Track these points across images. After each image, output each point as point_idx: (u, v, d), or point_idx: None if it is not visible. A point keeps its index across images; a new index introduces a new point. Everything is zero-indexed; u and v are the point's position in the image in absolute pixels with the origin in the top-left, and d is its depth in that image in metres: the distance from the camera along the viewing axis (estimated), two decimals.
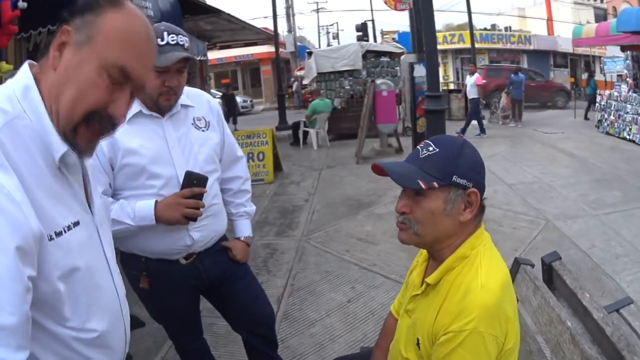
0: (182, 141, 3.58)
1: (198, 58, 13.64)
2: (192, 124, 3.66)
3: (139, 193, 3.46)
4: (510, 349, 2.37)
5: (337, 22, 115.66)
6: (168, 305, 3.81)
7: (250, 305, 4.06)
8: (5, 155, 1.62)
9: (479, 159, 2.53)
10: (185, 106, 3.64)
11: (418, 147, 2.58)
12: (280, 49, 33.17)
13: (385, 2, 18.02)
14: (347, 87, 23.04)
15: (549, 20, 54.79)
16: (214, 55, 42.24)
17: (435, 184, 2.40)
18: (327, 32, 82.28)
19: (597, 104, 23.01)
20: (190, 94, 3.73)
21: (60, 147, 1.78)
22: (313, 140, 21.03)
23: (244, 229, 4.11)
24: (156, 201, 3.42)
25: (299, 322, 6.42)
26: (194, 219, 3.46)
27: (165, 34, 3.33)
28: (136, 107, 3.42)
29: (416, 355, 2.57)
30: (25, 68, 1.83)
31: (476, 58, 30.32)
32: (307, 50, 29.58)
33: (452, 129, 23.04)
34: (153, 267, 3.63)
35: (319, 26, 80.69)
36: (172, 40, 3.33)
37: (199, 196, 3.45)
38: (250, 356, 4.30)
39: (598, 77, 31.19)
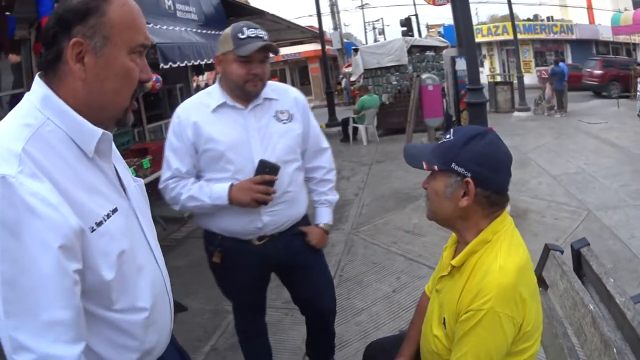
0: (262, 131, 3.91)
1: None
2: (274, 116, 3.99)
3: (217, 176, 3.86)
4: (530, 331, 2.55)
5: (382, 18, 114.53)
6: (235, 281, 4.12)
7: (312, 297, 4.39)
8: (36, 165, 1.79)
9: (492, 152, 2.64)
10: (268, 99, 4.00)
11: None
12: (327, 47, 32.93)
13: None
14: (394, 83, 23.00)
15: (589, 8, 53.50)
16: None
17: (436, 167, 2.67)
18: (374, 28, 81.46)
19: (638, 93, 22.73)
20: (275, 88, 4.09)
21: (96, 133, 2.02)
22: (362, 136, 20.98)
23: (324, 216, 4.35)
24: (232, 184, 3.79)
25: (345, 311, 6.60)
26: (265, 203, 3.80)
27: (244, 29, 3.72)
28: (221, 98, 3.86)
29: (443, 334, 2.78)
30: (38, 81, 2.01)
31: (520, 49, 29.97)
32: (353, 47, 29.53)
33: (500, 121, 22.88)
34: (227, 245, 4.02)
35: (364, 22, 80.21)
36: (252, 34, 3.70)
37: (270, 183, 3.77)
38: (309, 333, 4.75)
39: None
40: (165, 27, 11.14)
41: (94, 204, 1.96)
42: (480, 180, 2.62)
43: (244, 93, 3.84)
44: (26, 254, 1.70)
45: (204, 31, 13.22)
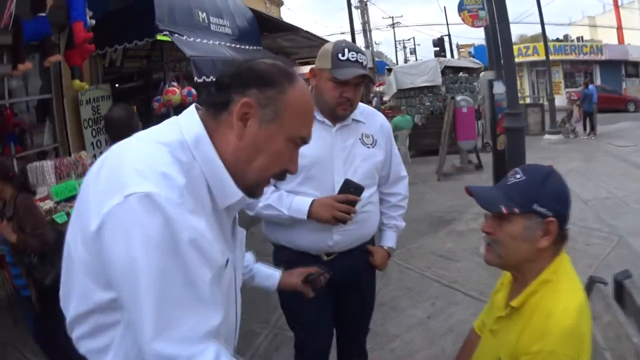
0: (347, 152, 3.95)
1: None
2: (360, 139, 4.03)
3: (295, 189, 3.86)
4: None
5: (413, 37, 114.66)
6: (302, 298, 3.81)
7: (357, 320, 4.47)
8: (194, 202, 1.86)
9: (564, 189, 2.64)
10: (356, 121, 4.05)
11: (508, 173, 2.75)
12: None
13: (463, 20, 17.94)
14: (427, 104, 23.10)
15: (619, 28, 52.98)
16: None
17: (516, 210, 2.56)
18: (404, 47, 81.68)
19: None
20: (364, 112, 4.15)
21: (235, 195, 2.06)
22: None
23: (389, 239, 4.39)
24: (314, 199, 3.79)
25: (380, 337, 6.60)
26: (344, 222, 3.78)
27: (346, 50, 3.73)
28: None
29: None
30: (195, 115, 2.05)
31: (551, 71, 29.87)
32: (387, 67, 29.58)
33: (530, 143, 22.79)
34: (294, 258, 3.90)
35: (395, 41, 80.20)
36: (352, 57, 3.72)
37: (352, 203, 3.75)
38: (342, 356, 4.64)
39: None
40: (199, 40, 11.19)
41: (221, 249, 2.01)
42: (561, 219, 2.58)
43: (333, 114, 3.88)
44: (187, 273, 1.79)
45: (238, 46, 13.22)
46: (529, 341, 2.50)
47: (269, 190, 3.85)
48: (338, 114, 3.86)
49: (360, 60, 3.75)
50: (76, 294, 1.97)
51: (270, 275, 3.34)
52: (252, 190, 2.13)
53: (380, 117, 4.29)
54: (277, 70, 2.05)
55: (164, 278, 1.75)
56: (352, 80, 3.73)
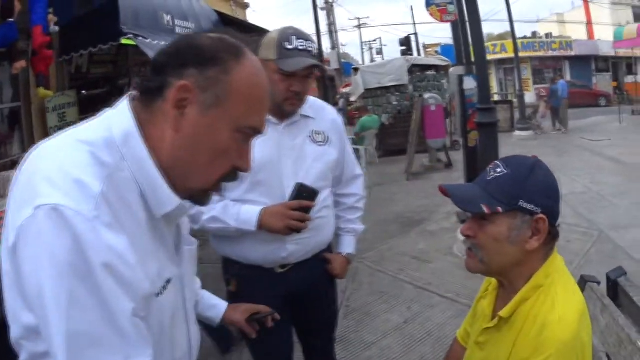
0: (296, 152, 3.56)
1: None
2: (309, 136, 3.65)
3: (242, 197, 3.46)
4: None
5: (380, 38, 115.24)
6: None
7: (319, 329, 4.13)
8: (112, 214, 1.51)
9: (553, 181, 2.33)
10: (305, 117, 3.65)
11: (488, 167, 2.42)
12: (325, 66, 33.13)
13: (431, 15, 17.73)
14: (395, 103, 23.10)
15: (589, 23, 54.02)
16: None
17: (500, 209, 2.24)
18: (370, 48, 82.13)
19: None
20: (313, 106, 3.74)
21: (172, 201, 1.72)
22: (362, 158, 20.58)
23: (348, 245, 4.06)
24: (263, 208, 3.40)
25: (354, 345, 6.38)
26: (298, 231, 3.43)
27: (293, 38, 3.34)
28: None
29: None
30: (127, 107, 1.70)
31: (520, 68, 30.13)
32: (353, 67, 29.59)
33: (500, 140, 22.88)
34: (245, 273, 3.62)
35: (361, 42, 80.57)
36: (301, 46, 3.34)
37: (307, 210, 3.41)
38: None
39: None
40: (163, 43, 10.75)
41: (156, 270, 1.68)
42: (551, 215, 2.27)
43: (281, 111, 3.47)
44: (102, 303, 1.45)
45: None
46: (523, 355, 2.21)
47: (214, 199, 3.47)
48: (286, 110, 3.47)
49: (309, 49, 3.38)
50: (10, 315, 1.63)
51: (215, 305, 2.96)
52: (197, 195, 1.80)
53: (331, 112, 3.95)
54: (222, 46, 1.69)
55: (73, 309, 1.42)
56: (301, 72, 3.34)
